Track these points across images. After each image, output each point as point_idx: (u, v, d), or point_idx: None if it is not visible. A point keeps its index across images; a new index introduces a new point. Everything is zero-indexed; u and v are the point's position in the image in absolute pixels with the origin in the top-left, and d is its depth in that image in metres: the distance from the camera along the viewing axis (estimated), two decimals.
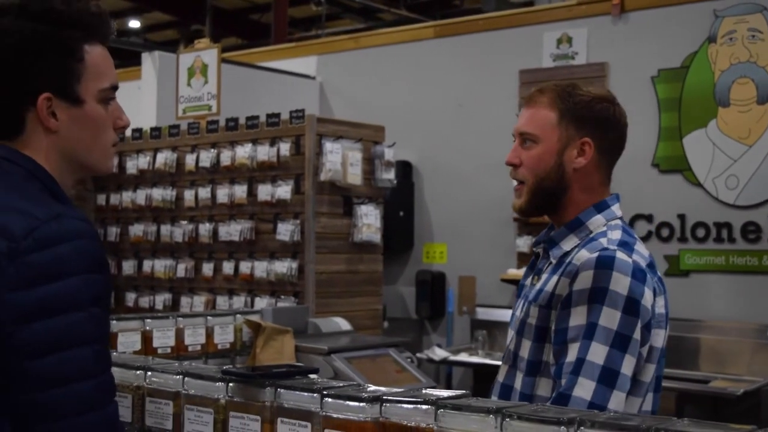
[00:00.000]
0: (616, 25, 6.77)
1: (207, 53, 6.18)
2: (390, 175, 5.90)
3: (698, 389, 5.60)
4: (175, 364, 2.28)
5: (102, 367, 1.78)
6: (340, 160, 5.58)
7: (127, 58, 8.84)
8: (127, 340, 3.40)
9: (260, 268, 5.76)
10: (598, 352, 2.16)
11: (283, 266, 5.63)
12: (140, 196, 6.52)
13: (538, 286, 2.40)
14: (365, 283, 5.90)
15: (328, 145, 5.54)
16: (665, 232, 6.47)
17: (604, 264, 2.22)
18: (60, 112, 1.88)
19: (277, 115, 5.75)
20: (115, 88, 1.96)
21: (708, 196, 6.32)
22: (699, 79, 6.35)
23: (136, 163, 6.53)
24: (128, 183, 6.62)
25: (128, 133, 6.58)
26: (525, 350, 2.37)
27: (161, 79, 7.24)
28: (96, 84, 1.91)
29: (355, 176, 5.66)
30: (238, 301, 5.83)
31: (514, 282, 7.02)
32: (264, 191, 5.75)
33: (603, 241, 2.30)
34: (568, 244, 2.40)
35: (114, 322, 3.35)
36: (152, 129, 6.53)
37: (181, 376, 2.14)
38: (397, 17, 17.23)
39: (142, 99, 7.54)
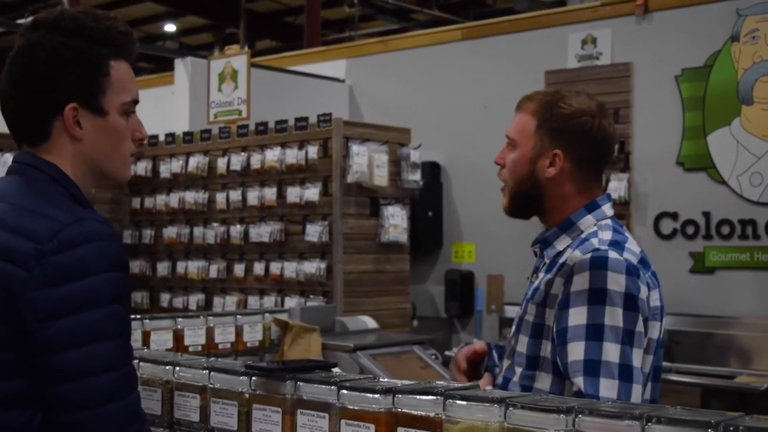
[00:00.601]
0: (640, 25, 6.81)
1: (237, 59, 6.30)
2: (416, 176, 5.96)
3: (723, 385, 5.63)
4: (202, 360, 2.38)
5: (123, 360, 1.88)
6: (367, 162, 5.65)
7: (160, 62, 9.01)
8: (160, 338, 3.49)
9: (290, 269, 5.83)
10: (612, 351, 2.25)
11: (312, 266, 5.71)
12: (173, 199, 6.62)
13: (535, 284, 2.50)
14: (393, 282, 5.96)
15: (355, 148, 5.61)
16: (690, 230, 6.51)
17: (599, 264, 2.31)
18: (85, 121, 2.00)
19: (306, 119, 5.84)
20: (135, 102, 2.08)
21: (732, 194, 6.35)
22: (722, 78, 6.37)
23: (169, 167, 6.64)
24: (162, 186, 6.73)
25: (161, 137, 6.73)
26: (523, 346, 2.47)
27: (193, 85, 7.36)
28: (119, 97, 2.03)
29: (381, 178, 5.73)
30: (269, 301, 5.90)
31: None
32: (293, 193, 5.83)
33: (594, 241, 2.38)
34: (560, 243, 2.49)
35: (147, 321, 3.47)
36: (185, 134, 6.64)
37: (207, 371, 2.26)
38: (429, 18, 17.24)
39: (175, 104, 7.67)
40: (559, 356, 2.34)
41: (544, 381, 2.41)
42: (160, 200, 6.72)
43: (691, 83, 6.54)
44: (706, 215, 6.45)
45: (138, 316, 3.44)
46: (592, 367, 2.25)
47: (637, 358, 2.29)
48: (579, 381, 2.25)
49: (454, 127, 7.59)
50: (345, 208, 5.69)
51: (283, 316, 4.11)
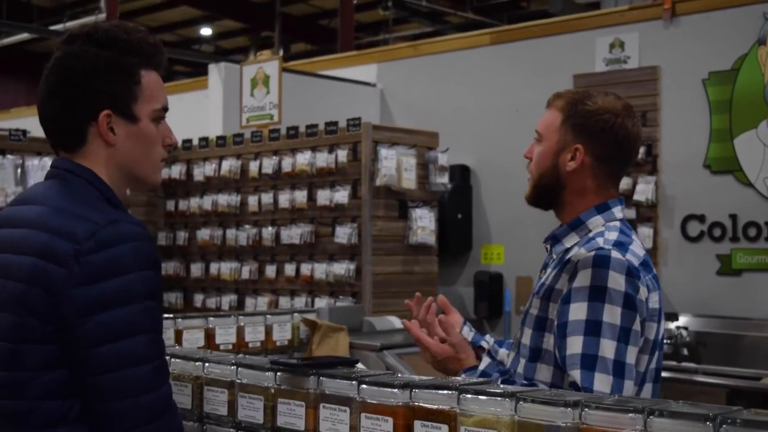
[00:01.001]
0: (667, 29, 6.85)
1: (269, 65, 6.43)
2: (444, 179, 6.05)
3: (749, 386, 5.66)
4: (230, 357, 2.48)
5: (156, 354, 1.99)
6: (395, 165, 5.75)
7: (196, 66, 9.13)
8: (192, 336, 3.57)
9: (320, 270, 5.93)
10: (608, 347, 2.33)
11: (342, 268, 5.80)
12: (207, 202, 6.74)
13: (542, 279, 2.58)
14: (421, 283, 6.01)
15: (384, 152, 5.71)
16: (717, 232, 6.54)
17: (601, 263, 2.38)
18: (118, 127, 2.10)
19: (335, 123, 5.94)
20: (165, 109, 2.18)
21: (759, 196, 6.37)
22: (749, 81, 6.40)
23: (202, 171, 6.76)
24: (195, 189, 6.86)
25: (195, 141, 6.85)
26: (527, 338, 2.55)
27: (227, 89, 7.48)
28: (150, 105, 2.13)
29: (409, 181, 5.82)
30: (299, 302, 6.01)
31: None
32: (323, 196, 5.93)
33: (600, 240, 2.45)
34: (569, 241, 2.57)
35: (179, 320, 3.55)
36: (218, 137, 6.77)
37: (235, 367, 2.35)
38: (463, 20, 17.22)
39: (209, 108, 7.79)
40: (558, 349, 2.42)
41: (545, 373, 2.49)
42: (194, 203, 6.85)
43: (718, 86, 6.57)
44: (733, 217, 6.47)
45: (171, 316, 3.54)
46: (589, 361, 2.33)
47: (631, 355, 2.36)
48: (575, 373, 2.33)
49: (483, 130, 7.66)
50: (374, 211, 5.79)
51: (312, 316, 4.17)
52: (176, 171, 6.92)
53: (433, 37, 17.68)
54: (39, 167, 5.91)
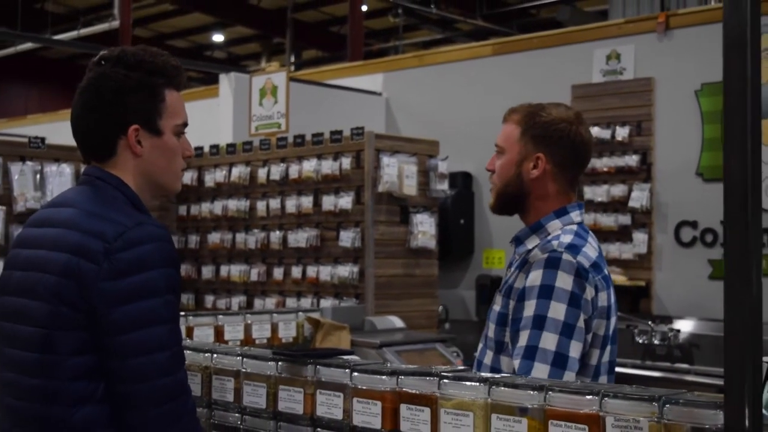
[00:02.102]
0: (662, 41, 7.04)
1: (277, 76, 6.57)
2: (444, 186, 6.17)
3: None
4: (236, 348, 2.67)
5: (175, 342, 2.19)
6: (397, 172, 5.87)
7: (208, 73, 9.26)
8: (202, 333, 3.74)
9: (325, 272, 6.03)
10: (549, 340, 2.52)
11: (346, 270, 5.91)
12: (217, 207, 6.82)
13: (506, 277, 2.80)
14: (421, 285, 6.15)
15: (385, 159, 5.83)
16: (709, 238, 6.72)
17: (552, 264, 2.59)
18: (144, 140, 2.32)
19: (340, 132, 6.06)
20: (185, 124, 2.41)
21: None
22: None
23: (213, 177, 6.85)
24: (206, 195, 6.94)
25: (206, 148, 6.97)
26: (491, 332, 2.75)
27: (237, 98, 7.64)
28: (173, 120, 2.36)
29: (410, 187, 5.94)
30: (305, 302, 6.09)
31: None
32: (328, 202, 6.02)
33: (555, 243, 2.65)
34: (530, 243, 2.76)
35: (190, 317, 3.73)
36: (228, 145, 6.87)
37: (240, 358, 2.54)
38: (473, 27, 17.27)
39: (220, 116, 7.97)
40: (511, 342, 2.63)
41: (508, 363, 2.68)
42: (205, 208, 6.93)
43: (710, 97, 6.74)
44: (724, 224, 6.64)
45: (182, 313, 3.67)
46: (530, 352, 2.53)
47: (574, 349, 2.54)
48: (516, 363, 2.55)
49: (485, 138, 7.73)
50: (376, 216, 5.90)
51: (315, 315, 4.36)
52: (188, 177, 6.98)
53: (442, 44, 17.83)
54: (57, 173, 6.04)
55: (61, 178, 6.03)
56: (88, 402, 2.13)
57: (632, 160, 7.14)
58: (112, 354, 2.13)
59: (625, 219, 7.16)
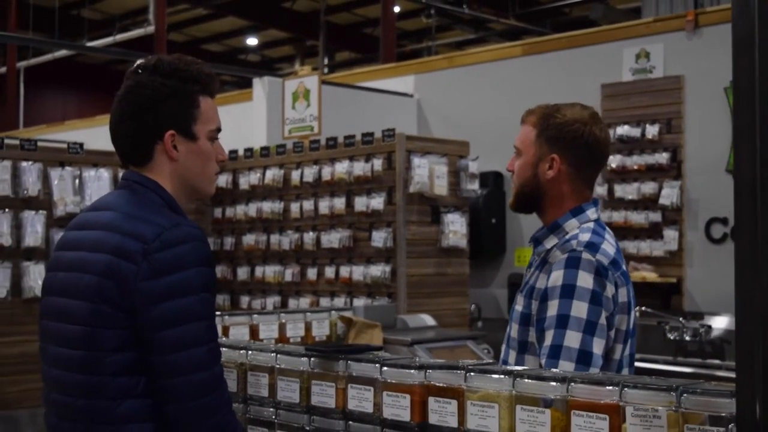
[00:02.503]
0: (691, 39, 7.07)
1: (309, 79, 6.67)
2: (474, 186, 6.22)
3: None
4: (270, 345, 2.74)
5: (211, 338, 2.26)
6: (427, 173, 5.92)
7: (243, 76, 9.32)
8: (237, 332, 3.78)
9: (358, 272, 6.09)
10: (573, 338, 2.58)
11: (378, 270, 5.97)
12: (252, 209, 6.90)
13: (527, 278, 2.85)
14: (453, 284, 6.21)
15: (416, 160, 5.89)
16: None
17: (572, 264, 2.65)
18: (180, 145, 2.41)
19: (371, 134, 6.13)
20: (219, 130, 2.49)
21: None
22: None
23: (248, 180, 6.93)
24: (241, 197, 7.03)
25: (240, 152, 7.06)
26: (515, 332, 2.81)
27: (270, 102, 7.74)
28: (207, 126, 2.44)
29: (441, 188, 5.99)
30: (339, 302, 6.14)
31: None
32: (360, 203, 6.10)
33: (574, 243, 2.71)
34: (549, 243, 2.81)
35: (226, 317, 3.79)
36: (262, 148, 6.95)
37: (274, 354, 2.62)
38: (506, 27, 17.28)
39: (254, 119, 8.07)
40: (537, 342, 2.69)
41: (532, 362, 2.74)
42: (240, 210, 7.01)
43: None
44: None
45: (218, 313, 3.70)
46: (554, 351, 2.59)
47: (597, 346, 2.60)
48: (543, 362, 2.61)
49: (515, 138, 7.86)
50: (408, 216, 5.96)
51: (348, 314, 4.42)
52: (223, 180, 7.08)
53: (475, 44, 17.82)
54: (95, 178, 6.14)
55: (99, 182, 6.14)
56: (129, 396, 2.22)
57: (662, 157, 7.17)
58: (152, 350, 2.21)
59: (656, 216, 7.19)
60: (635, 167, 7.31)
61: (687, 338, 6.34)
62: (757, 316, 1.62)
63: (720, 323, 6.50)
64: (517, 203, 2.93)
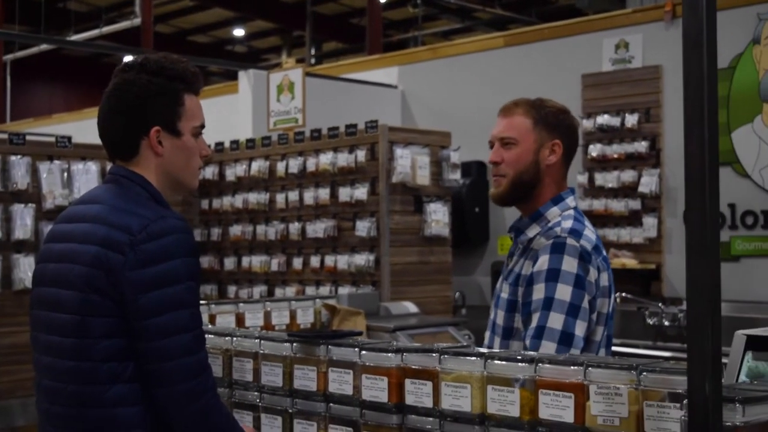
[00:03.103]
0: (669, 30, 7.17)
1: (293, 72, 6.75)
2: (456, 176, 6.29)
3: None
4: (254, 332, 2.82)
5: (196, 324, 2.36)
6: (410, 163, 6.02)
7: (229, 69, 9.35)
8: (224, 320, 3.83)
9: (342, 261, 6.18)
10: (556, 320, 2.69)
11: (362, 259, 6.06)
12: (238, 200, 6.99)
13: (510, 266, 2.95)
14: (436, 272, 6.30)
15: (399, 151, 5.99)
16: None
17: (557, 249, 2.75)
18: (165, 141, 2.49)
19: (355, 126, 6.22)
20: (203, 126, 2.58)
21: (755, 187, 6.67)
22: (745, 78, 6.71)
23: (234, 171, 7.02)
24: (228, 189, 7.12)
25: (227, 144, 7.14)
26: (500, 319, 2.91)
27: (255, 94, 7.81)
28: (191, 122, 2.53)
29: (423, 178, 6.09)
30: (324, 290, 6.24)
31: None
32: (344, 193, 6.19)
33: (557, 229, 2.81)
34: (531, 231, 2.91)
35: (213, 306, 3.85)
36: (248, 140, 7.04)
37: (258, 340, 2.70)
38: (492, 16, 17.29)
39: (239, 111, 8.14)
40: (524, 325, 2.79)
41: (516, 347, 2.85)
42: (226, 201, 7.10)
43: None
44: (732, 207, 6.79)
45: (205, 302, 3.78)
46: (538, 332, 2.70)
47: (579, 328, 2.71)
48: (527, 342, 2.72)
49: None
50: (391, 206, 6.06)
51: (332, 302, 4.48)
52: (209, 172, 7.17)
53: (462, 33, 17.83)
54: (83, 171, 6.20)
55: (87, 175, 6.20)
56: (118, 381, 2.32)
57: (641, 146, 7.28)
58: (140, 337, 2.30)
59: (636, 204, 7.30)
60: (615, 156, 7.42)
61: (666, 323, 6.45)
62: (706, 300, 1.73)
63: None
64: (512, 192, 2.95)
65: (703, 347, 1.74)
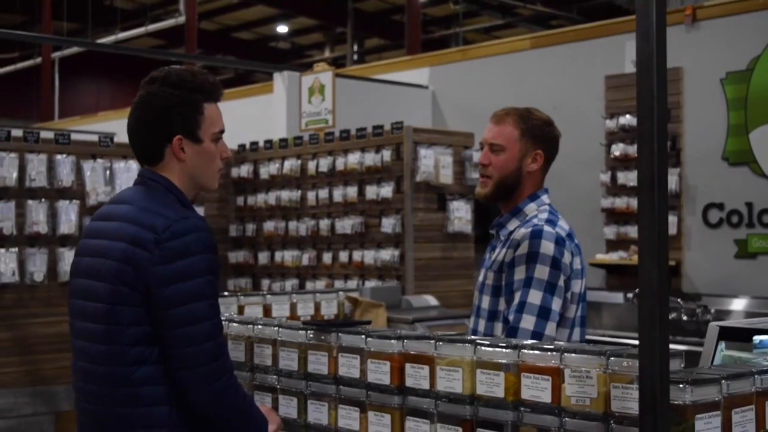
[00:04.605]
0: (689, 32, 7.31)
1: (324, 75, 6.96)
2: (478, 175, 6.47)
3: None
4: (273, 320, 3.06)
5: (215, 314, 2.57)
6: (433, 163, 6.21)
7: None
8: (251, 311, 4.02)
9: (369, 256, 6.37)
10: (535, 296, 3.02)
11: (388, 254, 6.25)
12: (272, 197, 7.18)
13: (493, 257, 3.25)
14: (458, 267, 6.50)
15: (422, 151, 6.19)
16: (734, 219, 6.98)
17: (535, 235, 3.08)
18: (187, 147, 2.71)
19: (381, 127, 6.41)
20: (222, 131, 2.79)
21: None
22: (763, 80, 6.83)
23: (268, 170, 7.22)
24: (262, 186, 7.31)
25: (261, 143, 7.35)
26: (485, 303, 3.22)
27: (290, 95, 8.03)
28: (210, 129, 2.74)
29: (446, 177, 6.28)
30: (352, 284, 6.39)
31: (602, 266, 7.68)
32: (371, 191, 6.38)
33: (535, 220, 3.15)
34: (512, 225, 3.25)
35: (241, 297, 4.05)
36: (280, 140, 7.24)
37: (277, 328, 2.94)
38: (533, 13, 17.19)
39: (275, 111, 8.36)
40: (507, 303, 3.10)
41: (499, 328, 3.15)
42: (261, 198, 7.29)
43: (734, 85, 6.99)
44: (749, 205, 6.93)
45: (234, 293, 4.07)
46: (520, 307, 3.02)
47: (556, 303, 3.04)
48: (510, 317, 3.03)
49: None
50: (415, 204, 6.25)
51: (355, 294, 4.67)
52: (245, 170, 7.37)
53: (504, 30, 17.72)
54: (125, 170, 6.42)
55: (128, 173, 6.38)
56: (144, 363, 2.54)
57: None
58: (164, 325, 2.53)
59: None
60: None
61: (684, 318, 6.61)
62: (655, 293, 1.95)
63: (716, 304, 6.74)
64: (496, 192, 3.26)
65: (652, 335, 1.95)
